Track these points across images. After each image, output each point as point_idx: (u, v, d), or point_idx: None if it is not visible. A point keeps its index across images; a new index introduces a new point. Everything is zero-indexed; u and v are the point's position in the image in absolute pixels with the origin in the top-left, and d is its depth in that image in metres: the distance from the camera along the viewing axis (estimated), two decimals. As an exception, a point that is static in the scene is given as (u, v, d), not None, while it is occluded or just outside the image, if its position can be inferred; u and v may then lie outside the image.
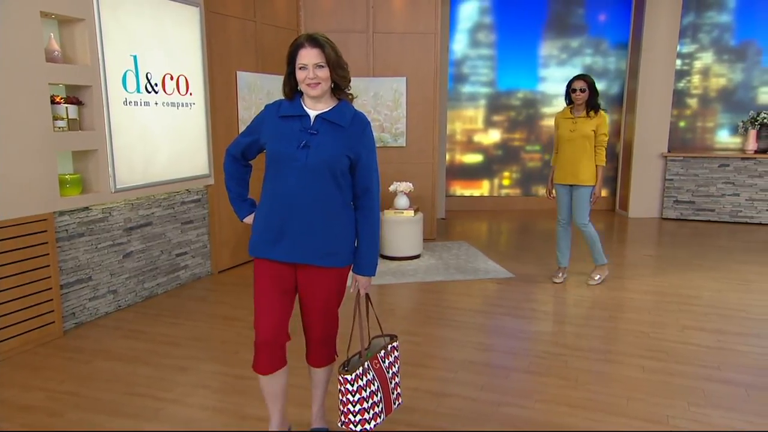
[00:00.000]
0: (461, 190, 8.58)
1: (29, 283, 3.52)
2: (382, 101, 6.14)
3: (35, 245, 3.53)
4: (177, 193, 4.68)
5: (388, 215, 5.52)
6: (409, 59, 6.17)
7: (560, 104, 8.42)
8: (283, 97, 2.25)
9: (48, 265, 3.62)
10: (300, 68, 2.09)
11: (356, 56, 6.10)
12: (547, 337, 3.70)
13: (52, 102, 3.67)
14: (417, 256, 5.59)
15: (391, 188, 5.59)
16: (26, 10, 3.40)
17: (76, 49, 3.83)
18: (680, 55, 7.86)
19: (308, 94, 2.13)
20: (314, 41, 2.07)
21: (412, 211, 5.51)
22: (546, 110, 8.44)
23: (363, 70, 6.12)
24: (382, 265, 5.33)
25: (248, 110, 5.33)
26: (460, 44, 8.24)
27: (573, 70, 8.31)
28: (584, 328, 3.84)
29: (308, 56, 2.07)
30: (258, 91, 5.44)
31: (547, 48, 8.31)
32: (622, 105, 8.33)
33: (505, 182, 8.58)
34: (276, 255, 2.16)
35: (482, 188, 8.60)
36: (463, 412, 2.76)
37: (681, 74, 7.95)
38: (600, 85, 8.33)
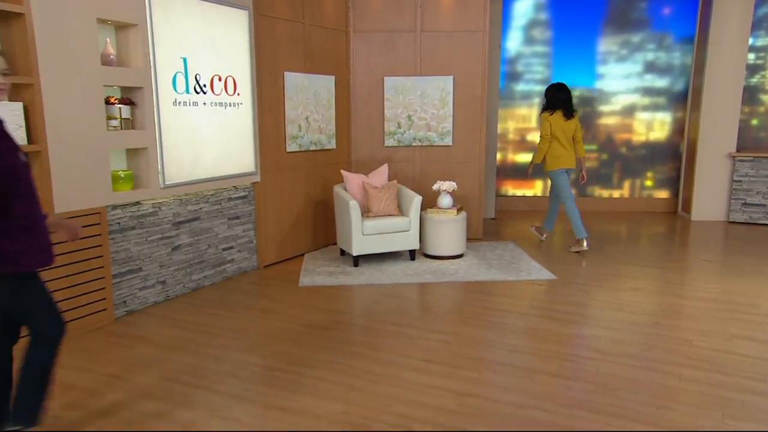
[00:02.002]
0: (513, 189, 8.43)
1: (84, 272, 3.77)
2: (429, 100, 6.14)
3: (90, 237, 3.79)
4: (224, 189, 4.87)
5: (430, 214, 5.52)
6: (456, 58, 6.13)
7: (619, 102, 8.13)
8: None
9: (101, 256, 3.87)
10: None
11: (404, 55, 6.13)
12: (582, 340, 3.59)
13: (107, 102, 3.92)
14: (460, 256, 5.55)
15: (435, 187, 5.57)
16: (84, 18, 3.64)
17: (130, 53, 4.07)
18: (753, 49, 7.38)
19: None
20: None
21: (455, 211, 5.47)
22: (604, 108, 8.15)
23: (410, 69, 6.14)
24: (423, 264, 5.33)
25: (295, 110, 5.47)
26: (514, 42, 8.09)
27: (634, 67, 8.01)
28: (623, 333, 3.70)
29: None
30: (305, 91, 5.57)
31: (607, 44, 8.03)
32: (687, 102, 7.92)
33: (560, 182, 8.35)
34: None
35: (535, 188, 8.41)
36: (482, 412, 2.74)
37: (754, 69, 7.46)
38: (663, 82, 8.01)
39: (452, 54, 6.12)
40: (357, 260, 5.27)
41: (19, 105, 3.38)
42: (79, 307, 3.76)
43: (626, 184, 8.28)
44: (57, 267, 3.60)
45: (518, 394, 2.91)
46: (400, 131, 6.21)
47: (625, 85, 8.08)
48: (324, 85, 5.80)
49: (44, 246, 2.31)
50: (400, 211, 5.49)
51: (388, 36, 6.12)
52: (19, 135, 3.36)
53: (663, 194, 8.26)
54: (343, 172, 5.52)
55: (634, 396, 2.87)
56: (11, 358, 2.45)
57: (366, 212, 5.37)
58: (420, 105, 6.16)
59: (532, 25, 8.05)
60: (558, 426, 2.61)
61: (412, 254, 5.49)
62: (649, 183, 8.26)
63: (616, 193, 8.30)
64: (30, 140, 3.44)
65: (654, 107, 8.10)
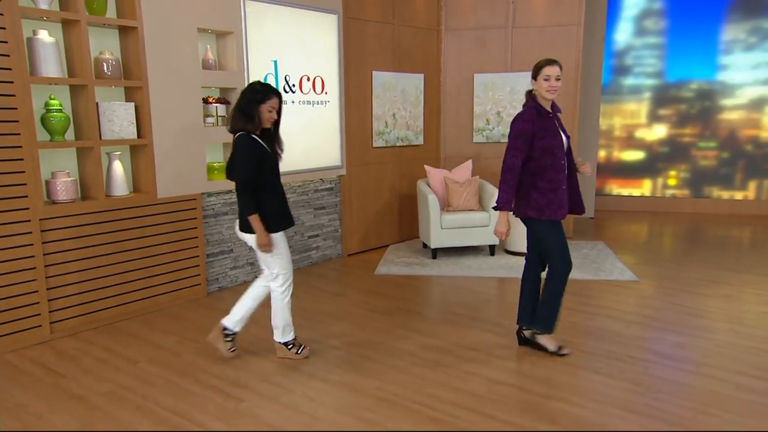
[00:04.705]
0: (618, 189, 8.01)
1: (182, 250, 4.32)
2: (518, 96, 6.08)
3: (187, 219, 4.32)
4: (311, 181, 5.26)
5: (511, 210, 5.49)
6: (548, 53, 5.98)
7: (745, 95, 7.42)
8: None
9: (197, 237, 4.40)
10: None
11: (494, 52, 6.14)
12: (640, 342, 3.44)
13: (205, 102, 4.44)
14: (541, 253, 5.46)
15: (517, 183, 5.53)
16: (186, 28, 4.17)
17: (227, 58, 4.56)
18: None
19: None
20: None
21: (537, 207, 5.39)
22: (726, 102, 7.47)
23: (501, 66, 6.14)
24: (501, 259, 5.34)
25: (382, 107, 5.73)
26: (623, 34, 7.69)
27: (765, 56, 7.27)
28: (690, 338, 3.49)
29: None
30: (393, 89, 5.80)
31: (732, 31, 7.35)
32: (829, 94, 7.02)
33: (671, 182, 7.79)
34: None
35: (643, 188, 7.92)
36: (508, 399, 2.78)
37: None
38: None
39: (544, 49, 6.01)
40: (435, 253, 5.41)
41: (132, 105, 3.98)
42: (178, 280, 4.31)
43: (751, 185, 7.52)
44: (161, 244, 4.17)
45: (551, 386, 2.91)
46: (489, 127, 6.23)
47: (753, 77, 7.35)
48: (412, 83, 6.00)
49: (562, 204, 3.08)
50: (481, 206, 5.53)
51: (479, 33, 6.17)
52: (131, 131, 3.96)
53: None
54: (426, 167, 5.69)
55: (676, 399, 2.74)
56: (540, 279, 3.34)
57: (446, 206, 5.49)
58: (509, 101, 6.13)
59: (644, 15, 7.60)
60: (584, 420, 2.59)
61: (491, 249, 5.51)
62: (780, 184, 7.44)
63: (738, 195, 7.57)
64: (139, 135, 4.03)
65: (789, 100, 7.28)
